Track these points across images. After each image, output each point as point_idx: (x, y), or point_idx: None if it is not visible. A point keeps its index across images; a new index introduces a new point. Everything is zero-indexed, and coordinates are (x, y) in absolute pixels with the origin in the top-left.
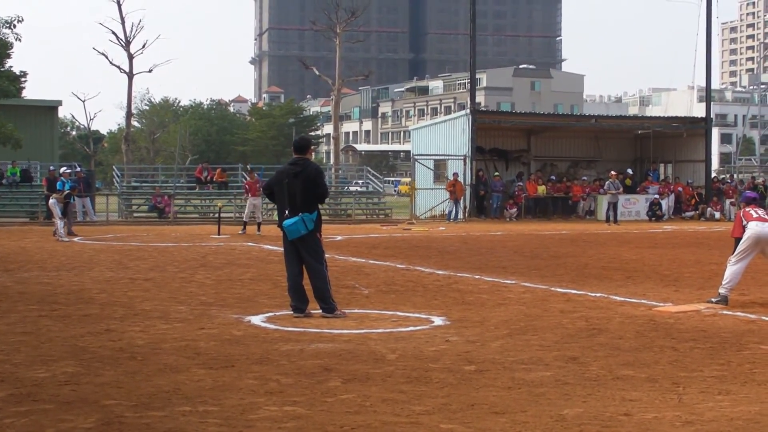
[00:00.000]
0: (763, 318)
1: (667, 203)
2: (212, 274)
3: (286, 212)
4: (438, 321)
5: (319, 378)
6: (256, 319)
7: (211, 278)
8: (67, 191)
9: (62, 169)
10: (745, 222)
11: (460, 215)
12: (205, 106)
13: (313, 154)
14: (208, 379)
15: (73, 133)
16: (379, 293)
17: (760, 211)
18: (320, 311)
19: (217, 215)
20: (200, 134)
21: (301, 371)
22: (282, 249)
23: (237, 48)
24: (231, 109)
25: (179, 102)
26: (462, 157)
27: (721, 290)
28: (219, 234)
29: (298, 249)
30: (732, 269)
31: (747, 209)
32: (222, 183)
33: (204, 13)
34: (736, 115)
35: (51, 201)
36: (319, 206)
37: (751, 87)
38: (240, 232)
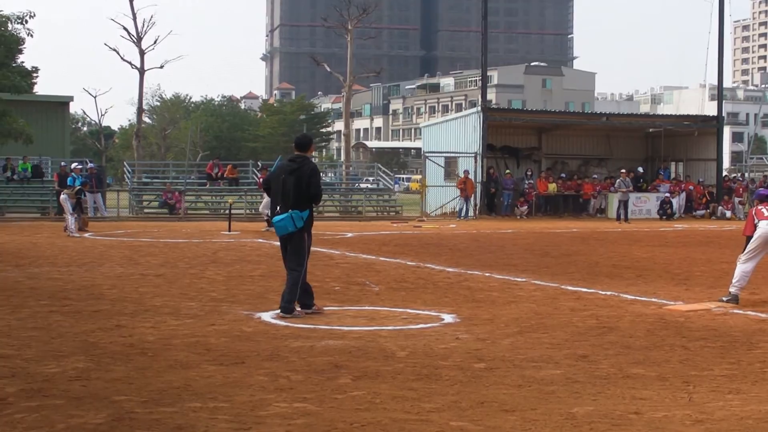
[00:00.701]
0: None
1: (678, 202)
2: (223, 270)
3: (278, 208)
4: (448, 318)
5: (329, 375)
6: (267, 316)
7: (222, 274)
8: (78, 187)
9: (73, 165)
10: (756, 220)
11: (471, 213)
12: (216, 103)
13: (314, 151)
14: (219, 375)
15: (85, 128)
16: (389, 290)
17: None
18: (278, 310)
19: (227, 211)
20: (211, 130)
21: (312, 368)
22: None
23: (248, 44)
24: (242, 105)
25: (190, 98)
26: (473, 155)
27: (732, 289)
28: (230, 230)
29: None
30: (742, 268)
31: (759, 207)
32: (233, 179)
33: (215, 10)
34: (747, 114)
35: (62, 196)
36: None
37: (763, 85)
38: (264, 229)
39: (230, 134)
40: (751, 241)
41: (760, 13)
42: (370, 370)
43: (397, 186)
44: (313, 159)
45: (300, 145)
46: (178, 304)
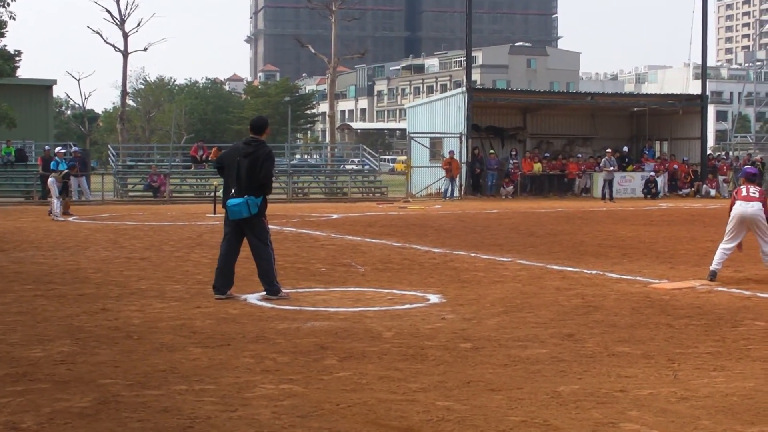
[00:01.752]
0: (758, 295)
1: (662, 180)
2: (208, 253)
3: (233, 191)
4: (434, 299)
5: (315, 356)
6: (252, 298)
7: (207, 257)
8: (66, 171)
9: (57, 149)
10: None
11: (456, 193)
12: (201, 85)
13: (269, 134)
14: (204, 357)
15: (68, 112)
16: (375, 271)
17: (751, 189)
18: (263, 293)
19: (212, 194)
20: (196, 113)
21: (297, 349)
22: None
23: (232, 26)
24: (226, 87)
25: (174, 81)
26: (458, 135)
27: (711, 267)
28: (215, 213)
29: (241, 230)
30: (722, 247)
31: (740, 186)
32: None
33: None
34: (731, 93)
35: (50, 180)
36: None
37: (747, 64)
38: None
39: (215, 117)
40: (728, 221)
41: None
42: (356, 351)
43: (367, 166)
44: (268, 143)
45: (255, 128)
46: (164, 287)
